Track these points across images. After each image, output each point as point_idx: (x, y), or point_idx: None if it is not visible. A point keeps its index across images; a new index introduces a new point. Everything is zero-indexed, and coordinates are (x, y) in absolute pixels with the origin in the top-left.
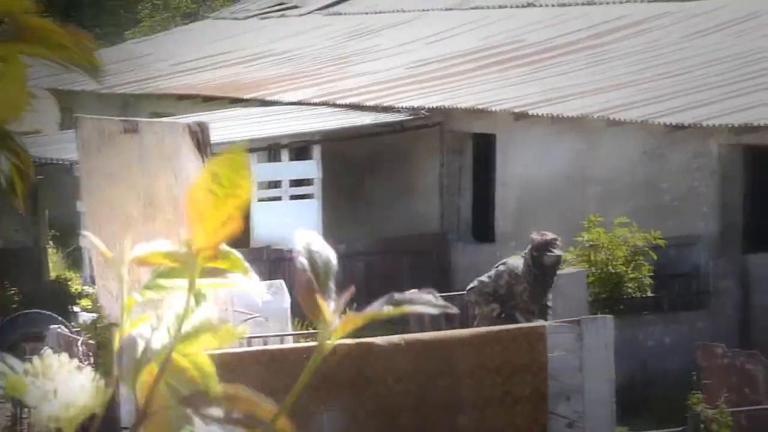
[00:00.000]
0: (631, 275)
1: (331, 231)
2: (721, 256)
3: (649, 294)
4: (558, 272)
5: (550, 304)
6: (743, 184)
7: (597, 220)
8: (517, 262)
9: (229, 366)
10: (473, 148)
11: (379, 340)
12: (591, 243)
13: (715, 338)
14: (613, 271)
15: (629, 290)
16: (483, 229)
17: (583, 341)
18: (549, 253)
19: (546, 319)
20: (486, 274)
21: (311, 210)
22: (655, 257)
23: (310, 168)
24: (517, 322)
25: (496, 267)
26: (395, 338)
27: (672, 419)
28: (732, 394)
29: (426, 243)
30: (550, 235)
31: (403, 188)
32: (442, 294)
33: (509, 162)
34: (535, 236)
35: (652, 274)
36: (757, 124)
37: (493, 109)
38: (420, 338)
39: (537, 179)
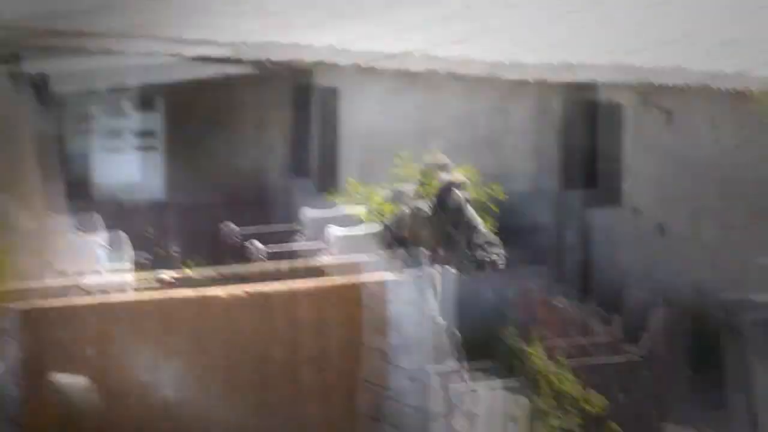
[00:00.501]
0: None
1: (175, 183)
2: (563, 211)
3: None
4: (469, 215)
5: (496, 256)
6: (584, 140)
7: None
8: (422, 204)
9: (68, 317)
10: (319, 100)
11: (221, 292)
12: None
13: (555, 291)
14: None
15: None
16: (328, 180)
17: (424, 294)
18: (454, 194)
19: (488, 270)
20: (390, 218)
21: (155, 162)
22: (497, 211)
23: (154, 119)
24: (421, 263)
25: (401, 211)
26: (237, 290)
27: (512, 371)
28: (570, 346)
29: (272, 194)
30: (457, 176)
31: (249, 140)
32: (288, 244)
33: (354, 115)
34: (443, 177)
35: (494, 228)
36: (597, 81)
37: (339, 62)
38: (263, 291)
39: (381, 132)
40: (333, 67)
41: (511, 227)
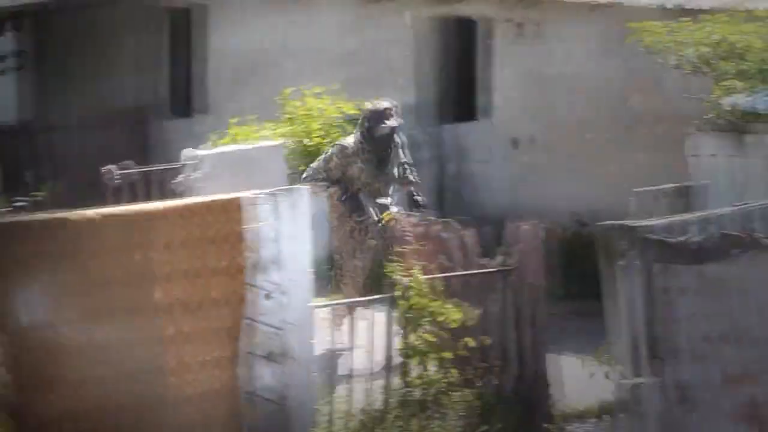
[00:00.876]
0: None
1: (34, 106)
2: (430, 129)
3: None
4: (398, 145)
5: (420, 200)
6: (440, 56)
7: (293, 92)
8: (348, 140)
9: None
10: (181, 23)
11: (74, 214)
12: (288, 116)
13: (423, 210)
14: (309, 143)
15: None
16: (201, 107)
17: (279, 212)
18: (383, 125)
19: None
20: (318, 159)
21: (8, 84)
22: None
23: (19, 42)
24: (361, 203)
25: (327, 150)
26: (90, 212)
27: (373, 288)
28: (428, 262)
29: (132, 119)
30: (384, 104)
31: (114, 64)
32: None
33: (214, 37)
34: (368, 105)
35: None
36: None
37: None
38: (116, 212)
39: (241, 54)
40: None
41: None
